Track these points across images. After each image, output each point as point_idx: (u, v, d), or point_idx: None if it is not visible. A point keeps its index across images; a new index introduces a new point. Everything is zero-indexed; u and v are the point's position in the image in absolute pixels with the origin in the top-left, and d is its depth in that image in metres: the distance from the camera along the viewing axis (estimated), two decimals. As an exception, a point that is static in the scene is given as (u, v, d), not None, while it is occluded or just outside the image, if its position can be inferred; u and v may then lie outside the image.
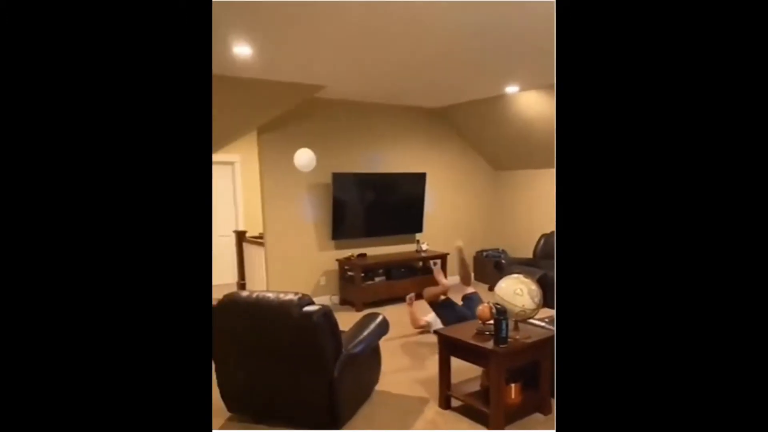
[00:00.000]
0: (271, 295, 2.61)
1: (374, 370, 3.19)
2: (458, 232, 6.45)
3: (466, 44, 3.51)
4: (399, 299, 5.26)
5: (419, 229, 6.23)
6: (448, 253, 5.98)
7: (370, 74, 4.39)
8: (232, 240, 6.30)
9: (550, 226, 5.93)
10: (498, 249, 6.64)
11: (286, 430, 2.71)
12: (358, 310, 5.23)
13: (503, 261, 6.11)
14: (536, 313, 2.85)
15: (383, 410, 2.98)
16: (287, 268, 5.37)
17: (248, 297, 2.67)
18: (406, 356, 3.90)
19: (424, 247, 6.04)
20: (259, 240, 5.53)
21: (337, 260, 5.64)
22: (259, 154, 5.19)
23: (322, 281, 5.64)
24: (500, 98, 5.50)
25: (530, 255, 6.03)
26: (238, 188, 7.13)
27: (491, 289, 4.80)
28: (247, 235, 6.13)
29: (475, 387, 2.97)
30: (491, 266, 6.16)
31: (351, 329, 2.99)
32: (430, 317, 4.28)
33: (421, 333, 4.37)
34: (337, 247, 5.69)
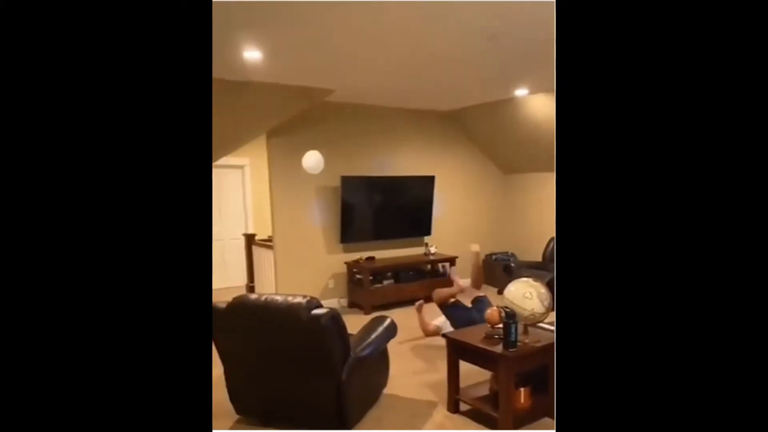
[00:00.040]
0: (279, 297, 2.62)
1: (382, 373, 3.18)
2: (468, 235, 6.43)
3: (476, 48, 3.51)
4: (407, 302, 5.25)
5: (428, 233, 6.22)
6: (456, 257, 5.96)
7: (379, 78, 4.40)
8: (242, 243, 6.34)
9: (560, 229, 5.89)
10: (507, 252, 6.61)
11: (294, 433, 2.71)
12: (367, 313, 5.23)
13: (512, 264, 6.09)
14: (545, 317, 2.83)
15: (391, 413, 2.97)
16: (296, 271, 5.39)
17: (257, 299, 2.68)
18: (414, 359, 3.90)
19: (433, 250, 6.03)
20: (268, 243, 5.56)
21: (345, 263, 5.65)
22: (269, 158, 5.22)
23: (331, 284, 5.65)
24: (509, 101, 5.49)
25: (539, 258, 6.00)
26: (248, 192, 7.17)
27: (500, 292, 4.77)
28: (257, 238, 6.17)
29: (484, 391, 2.96)
30: (500, 270, 6.14)
31: (359, 332, 2.99)
32: (440, 321, 4.26)
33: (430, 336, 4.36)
34: (346, 250, 5.70)
